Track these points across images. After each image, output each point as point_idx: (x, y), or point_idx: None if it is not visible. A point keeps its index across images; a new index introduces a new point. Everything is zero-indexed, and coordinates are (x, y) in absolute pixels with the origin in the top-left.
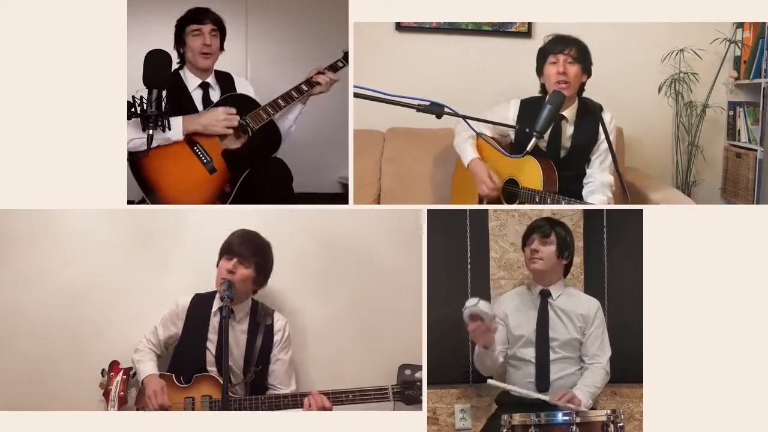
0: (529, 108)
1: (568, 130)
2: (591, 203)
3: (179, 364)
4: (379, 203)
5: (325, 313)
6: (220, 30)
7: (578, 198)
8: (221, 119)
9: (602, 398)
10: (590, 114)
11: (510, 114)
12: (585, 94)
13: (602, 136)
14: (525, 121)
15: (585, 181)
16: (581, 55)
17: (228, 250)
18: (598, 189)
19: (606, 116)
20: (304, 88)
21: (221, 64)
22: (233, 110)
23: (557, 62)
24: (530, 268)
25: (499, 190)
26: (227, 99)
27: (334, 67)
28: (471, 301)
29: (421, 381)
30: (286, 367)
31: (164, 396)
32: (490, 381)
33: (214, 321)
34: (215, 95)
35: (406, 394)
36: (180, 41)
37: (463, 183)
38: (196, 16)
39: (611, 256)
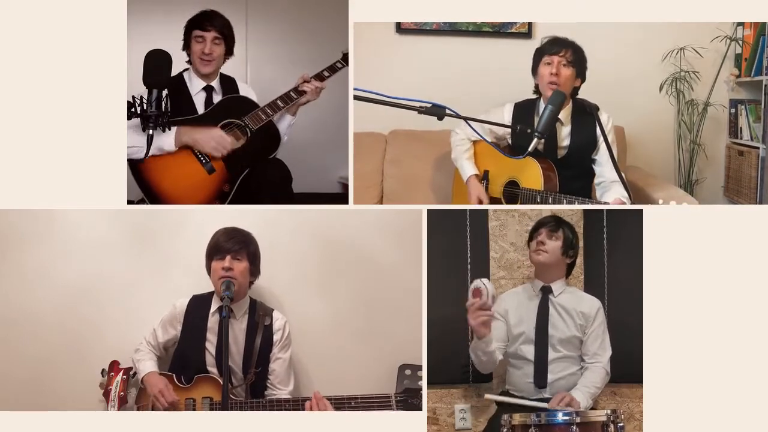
0: (522, 110)
1: (563, 131)
2: (584, 199)
3: (180, 366)
4: (381, 205)
5: (324, 313)
6: (226, 37)
7: (580, 197)
8: (215, 138)
9: (602, 398)
10: (586, 115)
11: (505, 118)
12: (587, 92)
13: (601, 136)
14: (520, 123)
15: (596, 181)
16: (576, 58)
17: (217, 250)
18: (611, 186)
19: (603, 116)
20: (294, 95)
21: (224, 67)
22: (228, 139)
23: (551, 63)
24: (534, 260)
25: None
26: (228, 100)
27: (333, 68)
28: (480, 278)
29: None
30: (286, 366)
31: (171, 393)
32: (487, 396)
33: (213, 321)
34: (218, 99)
35: (409, 402)
36: (187, 44)
37: (465, 184)
38: (201, 22)
39: (611, 256)
